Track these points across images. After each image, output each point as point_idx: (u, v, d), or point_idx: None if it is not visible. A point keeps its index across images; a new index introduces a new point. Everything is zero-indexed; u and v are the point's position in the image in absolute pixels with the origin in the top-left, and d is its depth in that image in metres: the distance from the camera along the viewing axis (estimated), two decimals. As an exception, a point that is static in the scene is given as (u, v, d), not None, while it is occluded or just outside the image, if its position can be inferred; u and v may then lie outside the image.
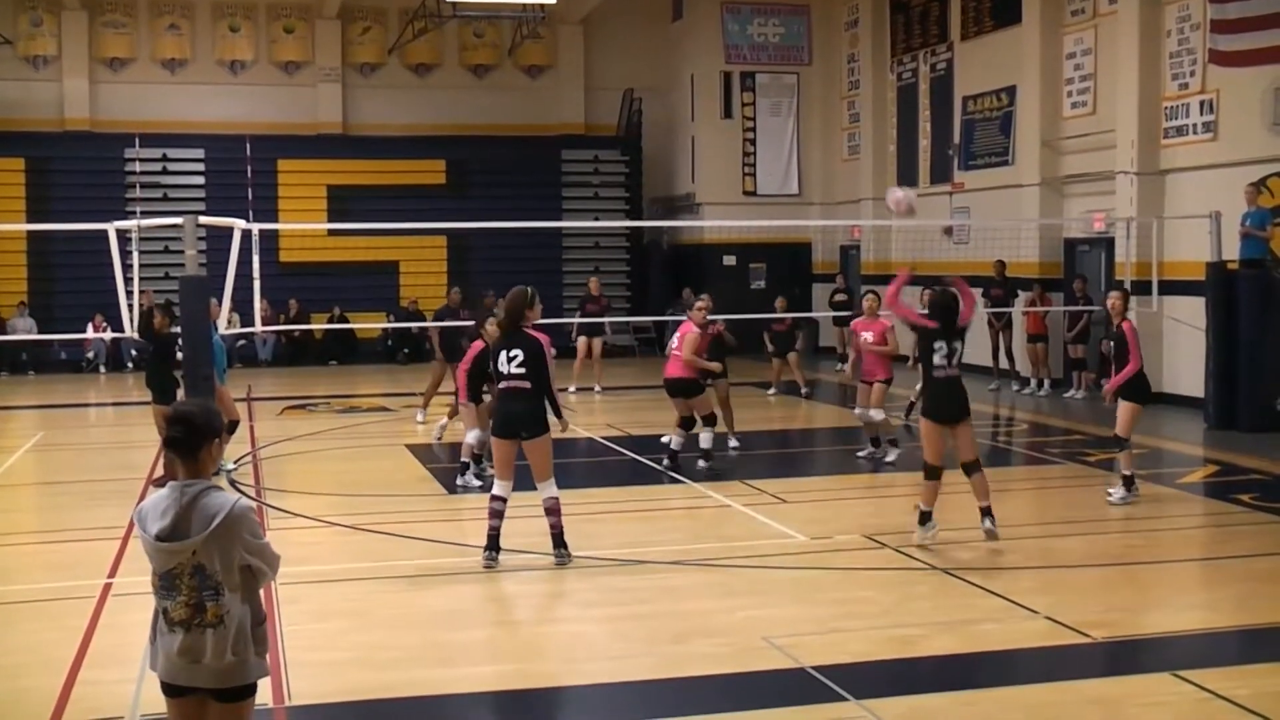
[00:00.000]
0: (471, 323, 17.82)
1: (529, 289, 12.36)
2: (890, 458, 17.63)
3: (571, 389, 24.94)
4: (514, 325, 12.20)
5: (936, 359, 12.70)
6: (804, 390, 25.60)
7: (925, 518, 12.71)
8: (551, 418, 12.21)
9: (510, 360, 12.05)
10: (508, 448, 12.12)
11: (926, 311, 13.49)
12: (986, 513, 12.70)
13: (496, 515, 12.08)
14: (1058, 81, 26.99)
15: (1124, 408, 14.93)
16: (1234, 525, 14.15)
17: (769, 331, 25.86)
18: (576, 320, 27.10)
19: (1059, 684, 9.01)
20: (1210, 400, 21.18)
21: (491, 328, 15.44)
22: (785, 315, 26.04)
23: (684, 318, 18.39)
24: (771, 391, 25.54)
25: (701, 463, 17.13)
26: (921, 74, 32.27)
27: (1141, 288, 23.06)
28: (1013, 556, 12.39)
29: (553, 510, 12.18)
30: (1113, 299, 15.47)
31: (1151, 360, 23.18)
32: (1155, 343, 23.73)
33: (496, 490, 12.13)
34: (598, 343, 26.89)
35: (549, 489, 12.15)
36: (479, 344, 15.74)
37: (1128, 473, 14.86)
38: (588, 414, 22.96)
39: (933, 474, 12.70)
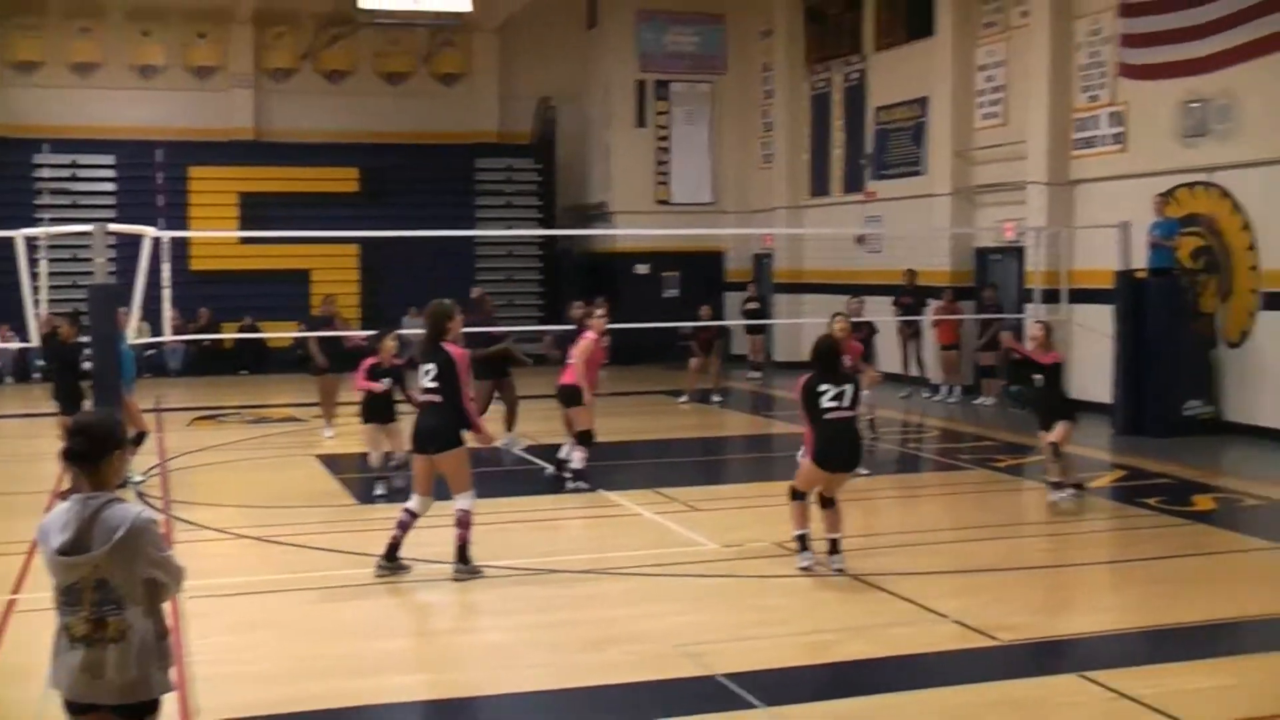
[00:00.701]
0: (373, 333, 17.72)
1: (449, 302, 12.30)
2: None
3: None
4: (434, 339, 12.09)
5: (825, 401, 11.97)
6: (717, 398, 25.60)
7: (803, 542, 12.30)
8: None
9: (426, 374, 12.00)
10: (421, 463, 12.06)
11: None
12: (834, 546, 12.24)
13: (402, 526, 12.03)
14: (970, 93, 27.22)
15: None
16: (1141, 529, 14.33)
17: (695, 340, 25.93)
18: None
19: (969, 686, 9.08)
20: (1118, 406, 21.42)
21: (390, 343, 15.37)
22: (710, 323, 26.14)
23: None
24: (683, 399, 25.57)
25: (570, 482, 16.61)
26: (835, 84, 32.44)
27: (1051, 296, 23.32)
28: (923, 561, 12.46)
29: (462, 523, 12.04)
30: (1037, 329, 15.71)
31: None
32: (1064, 349, 23.89)
33: (411, 504, 12.09)
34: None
35: (464, 500, 12.06)
36: (370, 359, 15.58)
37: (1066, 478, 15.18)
38: (491, 423, 22.85)
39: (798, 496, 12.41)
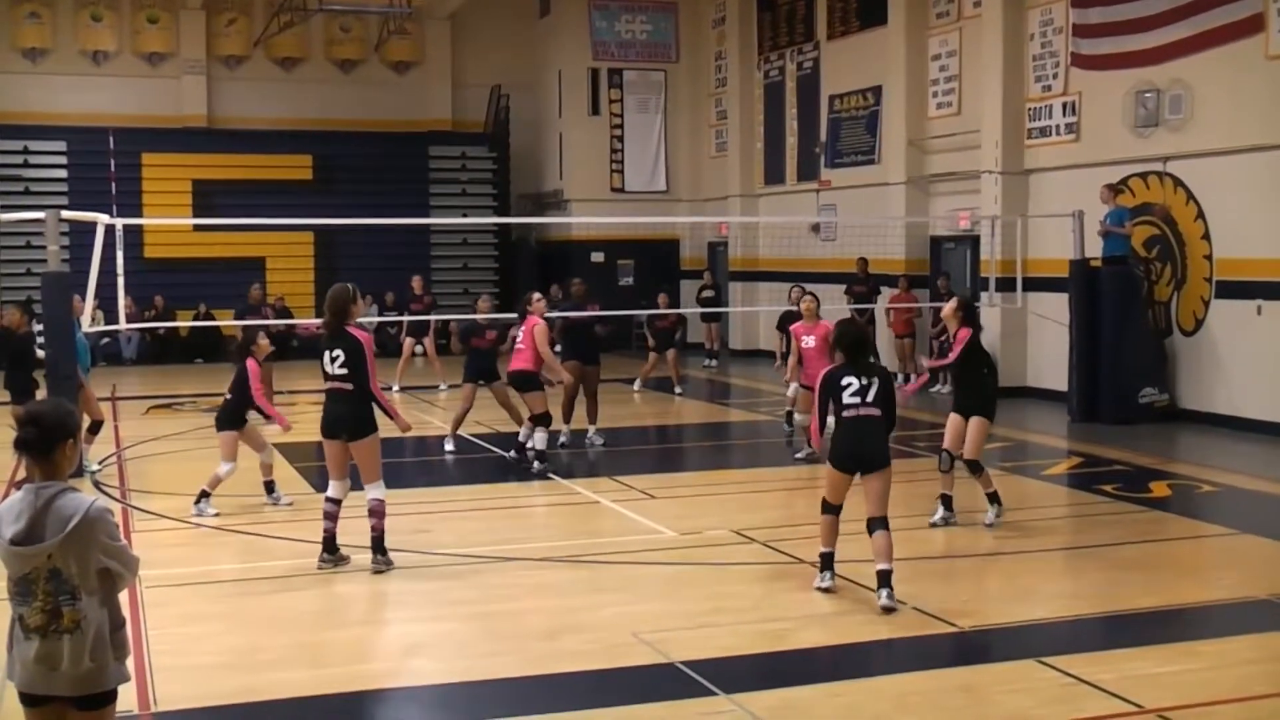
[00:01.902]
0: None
1: (351, 286, 12.07)
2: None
3: (395, 387, 24.67)
4: (338, 323, 11.85)
5: (846, 396, 10.75)
6: (678, 389, 25.62)
7: (826, 561, 11.11)
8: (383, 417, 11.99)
9: (333, 360, 11.81)
10: (334, 448, 11.91)
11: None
12: (884, 580, 10.64)
13: (330, 517, 11.93)
14: (923, 82, 27.28)
15: (974, 424, 13.64)
16: (1097, 515, 14.41)
17: (651, 328, 25.93)
18: (405, 319, 26.62)
19: (925, 673, 9.12)
20: (1074, 394, 21.52)
21: (264, 343, 15.04)
22: (669, 311, 26.14)
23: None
24: (636, 386, 25.56)
25: (537, 464, 16.78)
26: (789, 72, 32.47)
27: (1006, 284, 23.39)
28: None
29: (376, 512, 11.88)
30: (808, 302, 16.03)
31: (1016, 355, 23.76)
32: (1020, 338, 24.15)
33: (330, 491, 11.99)
34: (428, 342, 26.28)
35: (375, 490, 11.88)
36: (252, 363, 14.93)
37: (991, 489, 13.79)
38: (431, 413, 22.84)
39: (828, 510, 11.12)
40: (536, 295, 17.66)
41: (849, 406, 10.65)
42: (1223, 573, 12.01)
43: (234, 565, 12.20)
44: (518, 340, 17.24)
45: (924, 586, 11.17)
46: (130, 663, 5.86)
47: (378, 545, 11.90)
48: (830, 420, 10.90)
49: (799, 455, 17.70)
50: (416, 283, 27.71)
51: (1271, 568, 12.00)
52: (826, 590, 10.96)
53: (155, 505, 14.92)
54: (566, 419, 19.08)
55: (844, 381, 10.70)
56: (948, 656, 9.57)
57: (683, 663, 9.10)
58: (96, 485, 15.85)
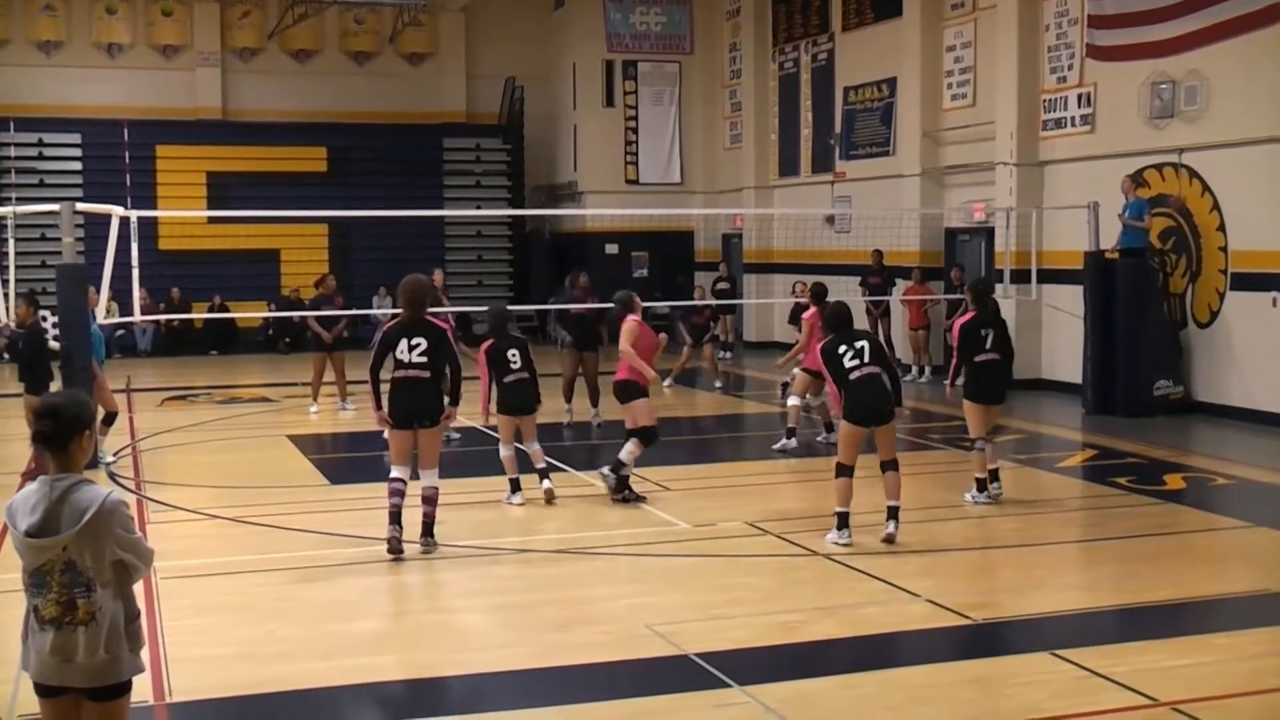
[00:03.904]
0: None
1: (429, 278, 12.34)
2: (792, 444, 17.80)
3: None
4: (419, 313, 12.07)
5: (847, 361, 12.36)
6: (718, 384, 25.25)
7: (843, 520, 12.36)
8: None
9: (413, 349, 11.96)
10: (405, 437, 12.12)
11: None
12: (892, 513, 12.44)
13: (397, 494, 12.02)
14: (938, 73, 27.24)
15: (966, 408, 14.49)
16: (1112, 508, 14.39)
17: (686, 323, 25.77)
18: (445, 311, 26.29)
19: (939, 665, 9.15)
20: (1088, 386, 21.49)
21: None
22: (704, 303, 25.98)
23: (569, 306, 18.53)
24: (668, 383, 25.10)
25: (606, 470, 14.74)
26: (803, 64, 32.43)
27: (1021, 276, 23.36)
28: (892, 540, 12.45)
29: (430, 500, 12.16)
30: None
31: (1030, 347, 23.70)
32: (1034, 330, 24.11)
33: (396, 473, 12.12)
34: None
35: (432, 477, 12.19)
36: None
37: (979, 475, 14.37)
38: (469, 403, 22.87)
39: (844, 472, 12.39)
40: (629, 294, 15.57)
41: (852, 369, 12.32)
42: (1237, 566, 12.00)
43: (248, 556, 12.20)
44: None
45: (938, 579, 11.18)
46: (145, 654, 5.88)
47: (427, 529, 12.16)
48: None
49: (776, 447, 17.82)
50: (438, 277, 27.41)
51: (1286, 561, 11.99)
52: (843, 545, 12.14)
53: (170, 497, 14.94)
54: (568, 400, 20.37)
55: (840, 350, 12.40)
56: (961, 649, 9.56)
57: (696, 654, 9.11)
58: (111, 477, 15.87)
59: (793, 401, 18.14)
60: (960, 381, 14.59)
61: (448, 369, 12.08)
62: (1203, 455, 17.64)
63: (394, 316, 12.50)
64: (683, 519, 13.56)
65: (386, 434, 12.85)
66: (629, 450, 14.46)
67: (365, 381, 12.55)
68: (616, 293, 15.31)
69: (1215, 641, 9.57)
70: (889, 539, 12.29)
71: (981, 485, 14.38)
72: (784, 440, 17.91)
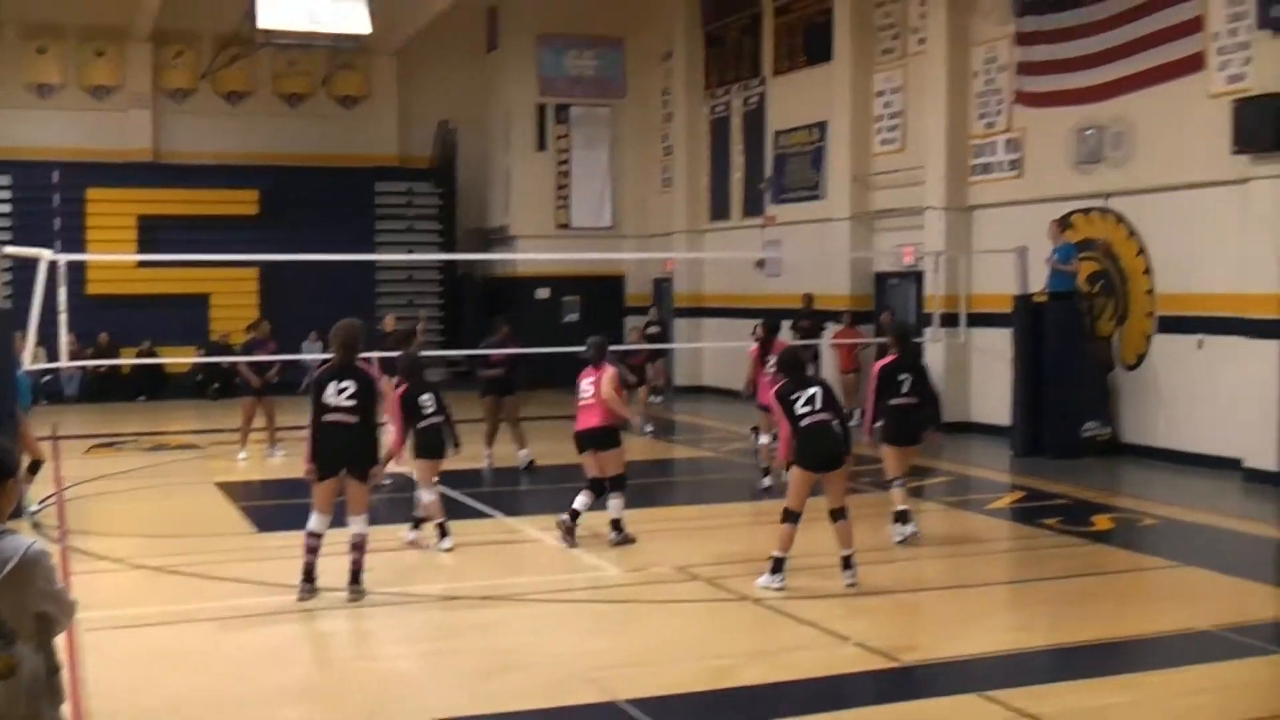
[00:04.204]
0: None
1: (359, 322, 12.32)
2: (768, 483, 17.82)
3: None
4: (349, 358, 12.06)
5: (799, 407, 12.34)
6: (648, 428, 24.79)
7: (778, 565, 12.33)
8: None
9: (340, 392, 11.92)
10: (329, 486, 12.05)
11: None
12: (847, 562, 12.49)
13: (312, 551, 11.99)
14: (868, 118, 27.44)
15: (883, 451, 14.80)
16: (1041, 549, 14.49)
17: (624, 364, 25.57)
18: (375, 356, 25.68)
19: (868, 708, 9.17)
20: (1017, 428, 21.65)
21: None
22: (642, 347, 25.92)
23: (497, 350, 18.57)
24: (649, 429, 24.86)
25: (613, 535, 14.62)
26: (734, 108, 32.60)
27: (950, 320, 23.54)
28: (824, 585, 12.49)
29: (359, 547, 12.10)
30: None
31: (959, 390, 23.88)
32: (963, 373, 24.29)
33: (314, 525, 12.00)
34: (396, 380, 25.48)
35: (361, 525, 12.12)
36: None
37: (900, 507, 14.57)
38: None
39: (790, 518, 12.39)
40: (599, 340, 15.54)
41: (804, 416, 12.29)
42: (1165, 605, 12.09)
43: (175, 607, 12.07)
44: (585, 393, 14.82)
45: (868, 622, 11.21)
46: (66, 709, 5.80)
47: (355, 576, 12.08)
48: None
49: (761, 487, 17.85)
50: (389, 321, 27.04)
51: (1213, 599, 12.06)
52: (778, 590, 12.09)
53: (95, 546, 14.75)
54: (489, 444, 20.39)
55: (793, 396, 12.36)
56: (891, 692, 9.58)
57: (627, 701, 9.07)
58: (36, 526, 15.66)
59: (764, 440, 18.05)
60: (879, 424, 14.76)
61: (374, 416, 12.05)
62: (1130, 496, 17.80)
63: (324, 362, 12.46)
64: (613, 564, 13.54)
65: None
66: (618, 503, 14.56)
67: (296, 428, 12.50)
68: (591, 338, 15.25)
69: (1145, 680, 9.64)
70: (851, 586, 12.32)
71: (902, 518, 14.57)
72: (764, 480, 17.93)
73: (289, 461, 20.23)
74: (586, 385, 14.75)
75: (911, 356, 14.99)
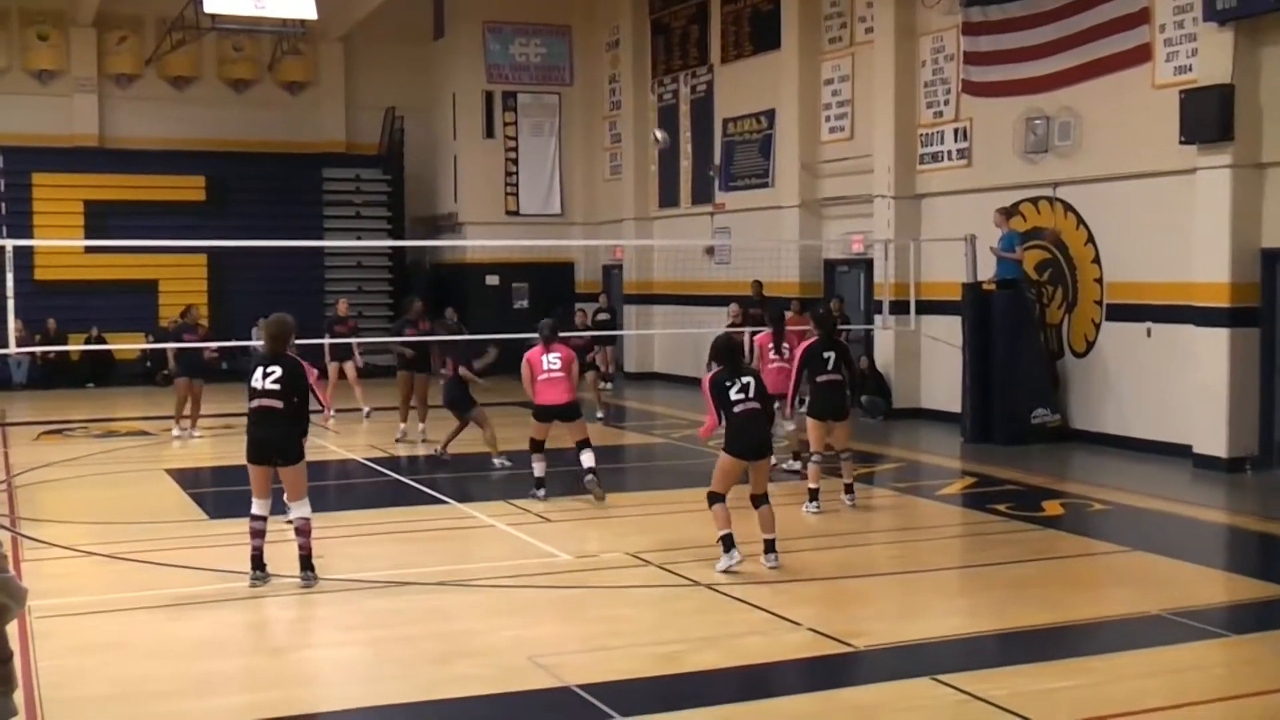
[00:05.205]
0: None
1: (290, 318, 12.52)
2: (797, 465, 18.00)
3: (330, 413, 24.42)
4: (279, 349, 12.22)
5: (733, 394, 12.61)
6: (599, 414, 25.02)
7: (729, 542, 12.46)
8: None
9: (266, 376, 12.04)
10: (262, 471, 12.13)
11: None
12: (770, 546, 12.72)
13: (258, 534, 12.07)
14: (816, 106, 27.50)
15: (808, 424, 15.88)
16: (991, 534, 14.56)
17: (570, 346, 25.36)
18: (326, 342, 25.45)
19: (820, 693, 9.17)
20: (967, 415, 21.74)
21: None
22: (584, 333, 25.86)
23: (448, 336, 18.63)
24: (600, 415, 25.04)
25: (590, 479, 16.29)
26: (682, 95, 32.61)
27: (900, 307, 23.61)
28: (776, 570, 12.52)
29: (302, 531, 12.11)
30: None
31: (910, 378, 24.04)
32: (913, 360, 24.40)
33: (255, 509, 12.09)
34: (349, 366, 25.58)
35: (302, 509, 12.14)
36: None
37: (813, 485, 15.51)
38: (350, 435, 22.80)
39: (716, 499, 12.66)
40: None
41: (737, 403, 12.55)
42: (1114, 589, 12.21)
43: (125, 594, 12.02)
44: (553, 368, 16.40)
45: (820, 608, 11.26)
46: (19, 696, 5.77)
47: (305, 562, 12.11)
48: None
49: (785, 467, 18.07)
50: (341, 305, 26.93)
51: (1162, 584, 12.16)
52: (729, 571, 12.25)
53: (46, 533, 14.65)
54: (404, 419, 22.07)
55: (727, 383, 12.62)
56: (842, 676, 9.62)
57: (578, 686, 9.08)
58: (-16, 513, 15.59)
59: (789, 427, 18.28)
60: (804, 401, 15.78)
61: (300, 403, 12.11)
62: (1080, 482, 17.91)
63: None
64: (564, 550, 13.52)
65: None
66: (590, 455, 16.46)
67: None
68: (543, 320, 16.91)
69: (1094, 664, 9.69)
70: (773, 569, 12.49)
71: (814, 495, 15.41)
72: (792, 463, 18.20)
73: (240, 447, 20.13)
74: (553, 359, 16.28)
75: (829, 334, 15.88)
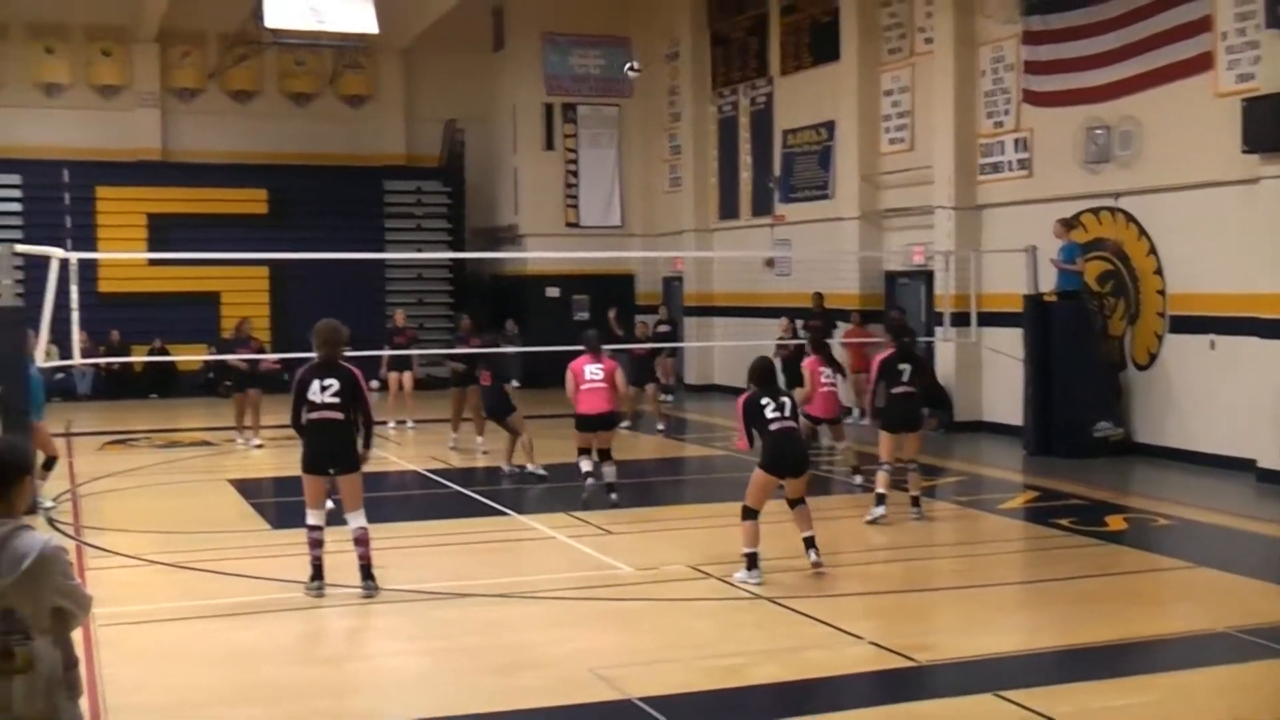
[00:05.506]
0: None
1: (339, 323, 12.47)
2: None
3: (390, 424, 24.56)
4: (332, 356, 12.20)
5: (769, 413, 12.74)
6: (660, 426, 24.96)
7: (753, 560, 12.55)
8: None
9: (324, 389, 12.03)
10: (318, 481, 12.16)
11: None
12: (810, 543, 12.80)
13: (317, 544, 12.11)
14: (876, 118, 27.42)
15: (881, 436, 15.95)
16: (1054, 549, 14.45)
17: (632, 360, 25.31)
18: (385, 354, 25.50)
19: (882, 708, 9.13)
20: (1028, 428, 21.61)
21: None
22: (646, 344, 25.83)
23: (506, 349, 18.64)
24: (660, 427, 25.02)
25: (613, 496, 16.75)
26: (742, 107, 32.57)
27: (960, 319, 23.50)
28: (837, 583, 12.49)
29: (362, 541, 12.14)
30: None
31: (971, 390, 23.90)
32: (974, 372, 24.26)
33: (312, 519, 12.14)
34: (408, 377, 25.72)
35: (359, 519, 12.18)
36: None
37: (881, 490, 15.57)
38: (405, 447, 22.88)
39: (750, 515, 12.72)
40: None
41: (773, 421, 12.67)
42: (1179, 606, 12.09)
43: (187, 603, 12.09)
44: (590, 380, 16.64)
45: (882, 621, 11.21)
46: (83, 702, 5.80)
47: (366, 572, 12.16)
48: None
49: (857, 483, 18.21)
50: (399, 316, 27.12)
51: (1227, 600, 12.04)
52: (758, 584, 12.28)
53: (109, 542, 14.79)
54: (455, 430, 22.69)
55: (763, 402, 12.74)
56: (904, 691, 9.57)
57: (640, 699, 9.07)
58: (50, 522, 15.70)
59: (844, 444, 18.80)
60: (878, 411, 16.02)
61: (358, 413, 12.15)
62: (1143, 496, 17.78)
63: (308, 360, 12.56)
64: (626, 562, 13.52)
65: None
66: (613, 469, 16.86)
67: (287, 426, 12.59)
68: (587, 331, 17.54)
69: (1159, 681, 9.62)
70: (817, 566, 12.68)
71: (880, 500, 15.50)
72: (855, 478, 18.41)
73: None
74: (595, 369, 16.53)
75: (907, 346, 16.08)
